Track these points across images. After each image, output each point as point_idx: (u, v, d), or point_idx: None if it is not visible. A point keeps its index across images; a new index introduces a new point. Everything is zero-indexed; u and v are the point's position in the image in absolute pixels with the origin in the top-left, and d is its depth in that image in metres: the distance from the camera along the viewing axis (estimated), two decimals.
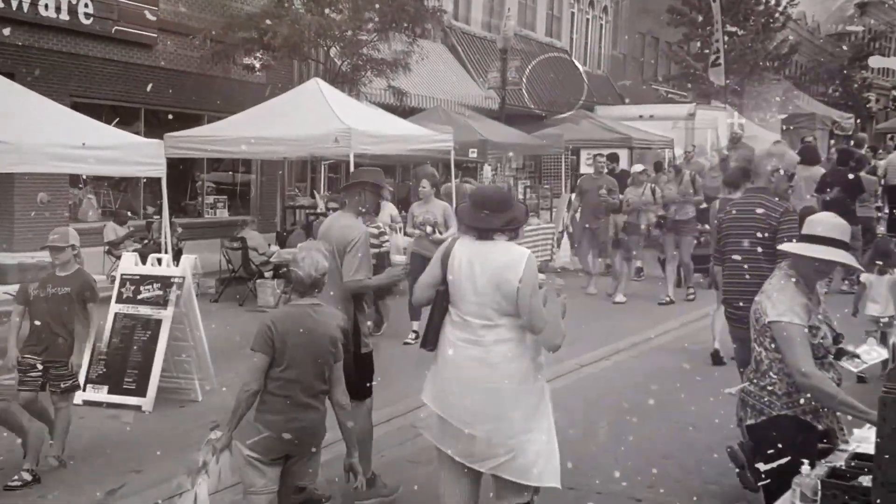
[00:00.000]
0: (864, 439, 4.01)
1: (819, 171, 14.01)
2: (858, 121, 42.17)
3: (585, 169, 19.58)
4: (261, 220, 17.86)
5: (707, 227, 15.00)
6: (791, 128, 31.06)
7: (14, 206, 14.83)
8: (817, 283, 4.46)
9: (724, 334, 9.26)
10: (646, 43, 38.75)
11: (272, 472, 4.35)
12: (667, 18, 32.94)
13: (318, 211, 15.32)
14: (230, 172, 20.01)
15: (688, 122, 24.05)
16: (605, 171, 14.58)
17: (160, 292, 8.19)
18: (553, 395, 4.66)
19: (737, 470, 4.82)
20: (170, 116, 15.23)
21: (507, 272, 4.35)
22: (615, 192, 13.75)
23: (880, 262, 9.02)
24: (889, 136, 34.96)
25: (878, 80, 50.44)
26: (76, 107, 11.55)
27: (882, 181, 16.40)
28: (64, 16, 15.38)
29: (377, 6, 16.67)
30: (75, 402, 7.83)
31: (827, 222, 4.34)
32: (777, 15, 34.62)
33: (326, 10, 16.66)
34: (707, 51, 31.19)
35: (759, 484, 4.13)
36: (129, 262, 8.60)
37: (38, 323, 6.39)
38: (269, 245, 14.49)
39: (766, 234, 5.90)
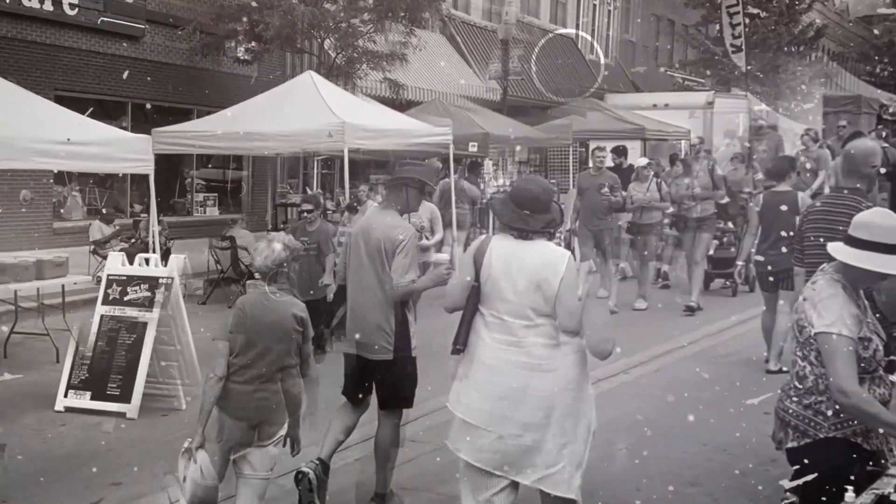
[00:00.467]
0: None
1: None
2: None
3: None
4: (251, 219, 17.86)
5: (731, 224, 14.25)
6: (832, 112, 28.82)
7: None
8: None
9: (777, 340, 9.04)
10: (661, 26, 37.77)
11: (250, 434, 4.71)
12: None
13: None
14: (220, 169, 20.02)
15: (706, 111, 23.21)
16: (605, 166, 13.48)
17: (148, 293, 8.15)
18: None
19: None
20: (157, 111, 15.22)
21: (546, 272, 4.34)
22: (618, 189, 12.77)
23: None
24: None
25: None
26: (60, 101, 11.52)
27: None
28: (48, 6, 15.36)
29: None
30: (57, 408, 7.87)
31: (882, 224, 3.91)
32: None
33: (320, 0, 16.67)
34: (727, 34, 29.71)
35: None
36: (116, 263, 8.57)
37: None
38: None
39: None
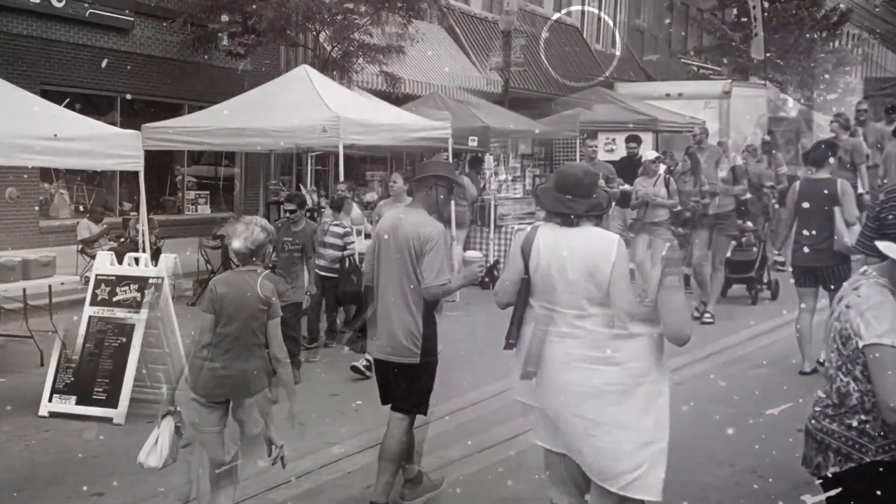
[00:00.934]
0: None
1: None
2: None
3: (604, 156, 18.17)
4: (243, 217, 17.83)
5: (749, 224, 13.19)
6: (874, 94, 28.21)
7: None
8: None
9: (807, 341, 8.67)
10: (675, 11, 36.93)
11: (214, 414, 5.04)
12: None
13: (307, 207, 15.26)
14: (212, 166, 20.02)
15: (722, 100, 22.53)
16: (597, 157, 13.14)
17: (137, 294, 8.14)
18: None
19: None
20: (147, 106, 15.23)
21: (598, 258, 4.31)
22: (613, 180, 12.50)
23: None
24: None
25: None
26: (47, 95, 11.54)
27: None
28: None
29: None
30: (41, 413, 7.85)
31: None
32: None
33: None
34: (745, 18, 29.22)
35: None
36: (105, 262, 8.56)
37: None
38: None
39: None
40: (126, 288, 8.22)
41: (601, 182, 11.89)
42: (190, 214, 18.80)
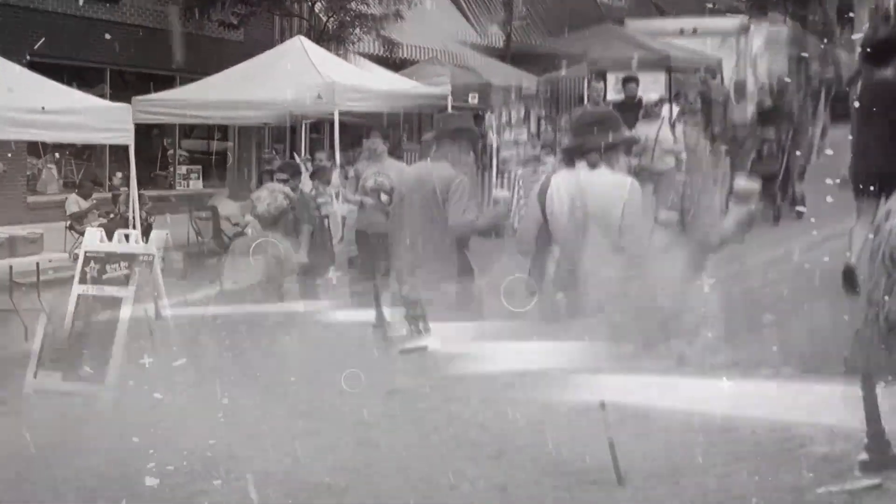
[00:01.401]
0: None
1: None
2: None
3: (613, 97, 17.14)
4: (237, 190, 17.83)
5: (771, 132, 12.75)
6: None
7: None
8: None
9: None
10: None
11: None
12: None
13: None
14: (205, 140, 19.99)
15: (740, 38, 21.98)
16: (602, 100, 12.84)
17: (128, 272, 8.18)
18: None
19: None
20: (138, 78, 15.22)
21: (612, 198, 4.49)
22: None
23: None
24: None
25: None
26: (34, 67, 11.52)
27: None
28: None
29: None
30: (25, 390, 7.83)
31: None
32: None
33: None
34: None
35: None
36: (94, 239, 8.55)
37: None
38: (245, 215, 14.42)
39: None
40: (116, 265, 8.23)
41: None
42: (182, 189, 18.78)
